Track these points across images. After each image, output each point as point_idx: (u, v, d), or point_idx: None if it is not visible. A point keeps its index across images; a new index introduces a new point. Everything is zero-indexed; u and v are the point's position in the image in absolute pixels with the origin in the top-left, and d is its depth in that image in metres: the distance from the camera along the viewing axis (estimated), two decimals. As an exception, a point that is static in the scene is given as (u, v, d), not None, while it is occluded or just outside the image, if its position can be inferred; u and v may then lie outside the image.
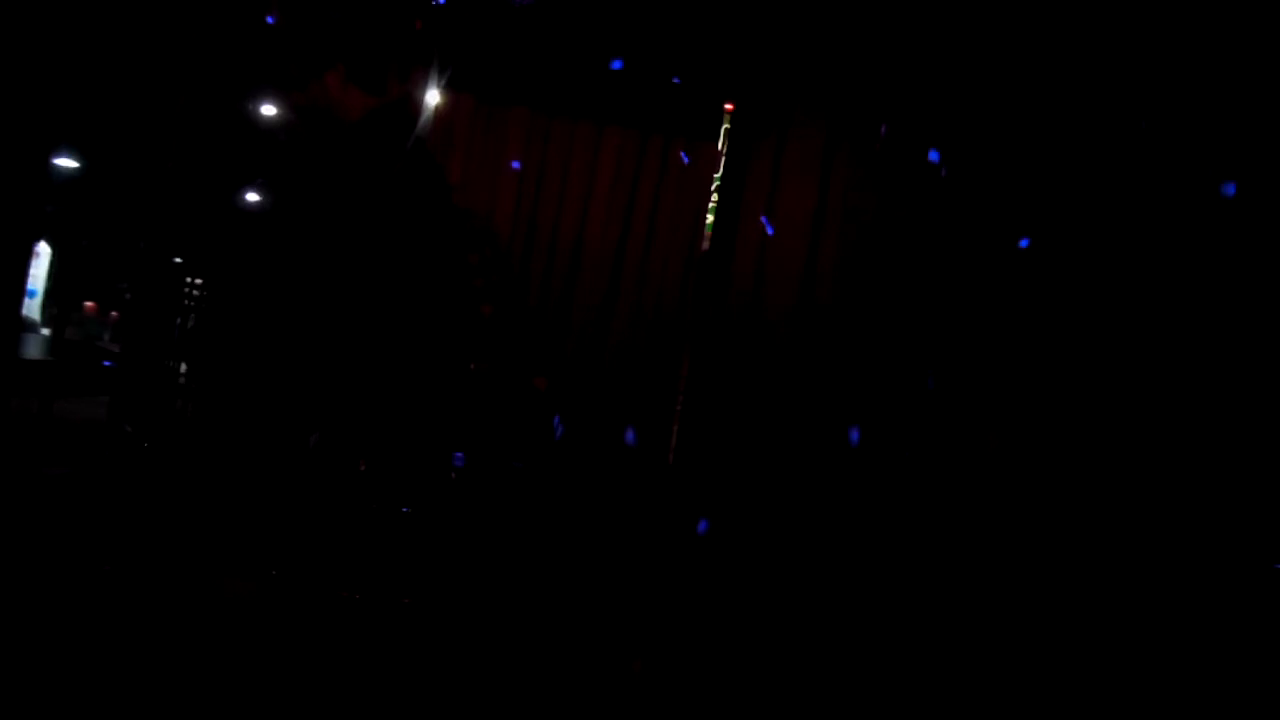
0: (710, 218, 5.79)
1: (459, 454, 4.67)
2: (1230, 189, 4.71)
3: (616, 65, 5.46)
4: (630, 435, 5.48)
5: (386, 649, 3.30)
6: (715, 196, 5.78)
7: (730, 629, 4.04)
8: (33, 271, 6.87)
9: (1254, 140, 4.68)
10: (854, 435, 5.23)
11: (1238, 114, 4.69)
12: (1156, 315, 4.81)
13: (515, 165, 5.77)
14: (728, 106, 5.75)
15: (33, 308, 7.39)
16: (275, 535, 3.75)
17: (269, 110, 3.86)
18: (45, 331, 7.41)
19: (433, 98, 4.76)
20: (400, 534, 4.26)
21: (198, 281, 5.14)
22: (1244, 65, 4.65)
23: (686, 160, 5.84)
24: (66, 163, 5.71)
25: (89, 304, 8.34)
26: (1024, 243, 5.10)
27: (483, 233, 5.25)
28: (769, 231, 5.55)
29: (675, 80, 5.53)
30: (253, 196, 4.18)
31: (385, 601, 3.66)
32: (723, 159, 5.78)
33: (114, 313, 8.29)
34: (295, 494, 3.94)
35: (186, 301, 5.26)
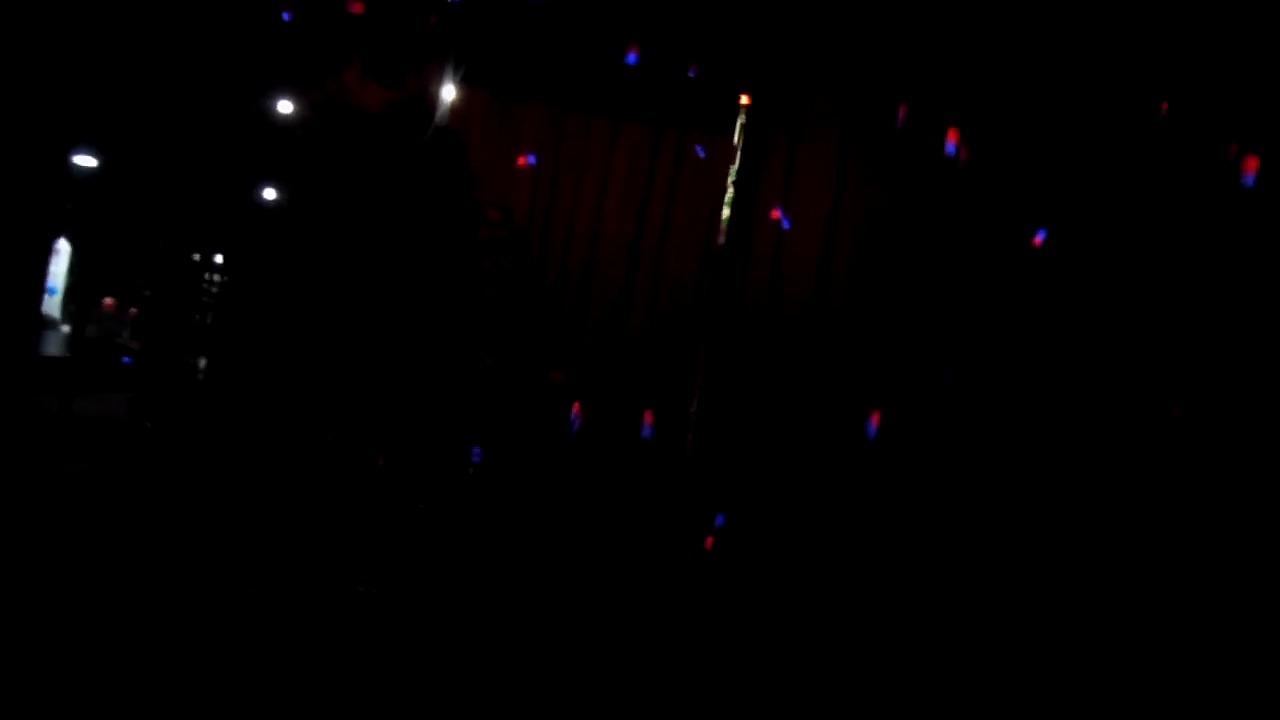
0: (726, 212, 5.77)
1: (476, 449, 4.69)
2: (1250, 180, 4.67)
3: (631, 60, 5.45)
4: (647, 429, 5.49)
5: (405, 642, 3.31)
6: (731, 191, 5.76)
7: (747, 622, 4.04)
8: (52, 269, 6.92)
9: (1276, 129, 4.63)
10: (870, 430, 5.21)
11: (1259, 102, 4.65)
12: (1177, 310, 4.77)
13: (531, 161, 5.78)
14: (743, 100, 5.73)
15: (52, 305, 7.46)
16: (288, 531, 3.77)
17: (287, 107, 3.88)
18: (65, 328, 7.47)
19: (448, 93, 4.77)
20: (418, 529, 4.28)
21: (216, 278, 5.18)
22: (1268, 53, 4.61)
23: (702, 154, 5.83)
24: (86, 161, 5.76)
25: (108, 301, 8.40)
26: (1041, 234, 5.07)
27: (506, 224, 5.23)
28: (785, 226, 5.53)
29: (690, 75, 5.52)
30: (271, 193, 4.20)
31: (403, 596, 3.68)
32: (738, 153, 5.75)
33: (133, 309, 8.34)
34: (312, 490, 3.96)
35: (205, 298, 5.30)
